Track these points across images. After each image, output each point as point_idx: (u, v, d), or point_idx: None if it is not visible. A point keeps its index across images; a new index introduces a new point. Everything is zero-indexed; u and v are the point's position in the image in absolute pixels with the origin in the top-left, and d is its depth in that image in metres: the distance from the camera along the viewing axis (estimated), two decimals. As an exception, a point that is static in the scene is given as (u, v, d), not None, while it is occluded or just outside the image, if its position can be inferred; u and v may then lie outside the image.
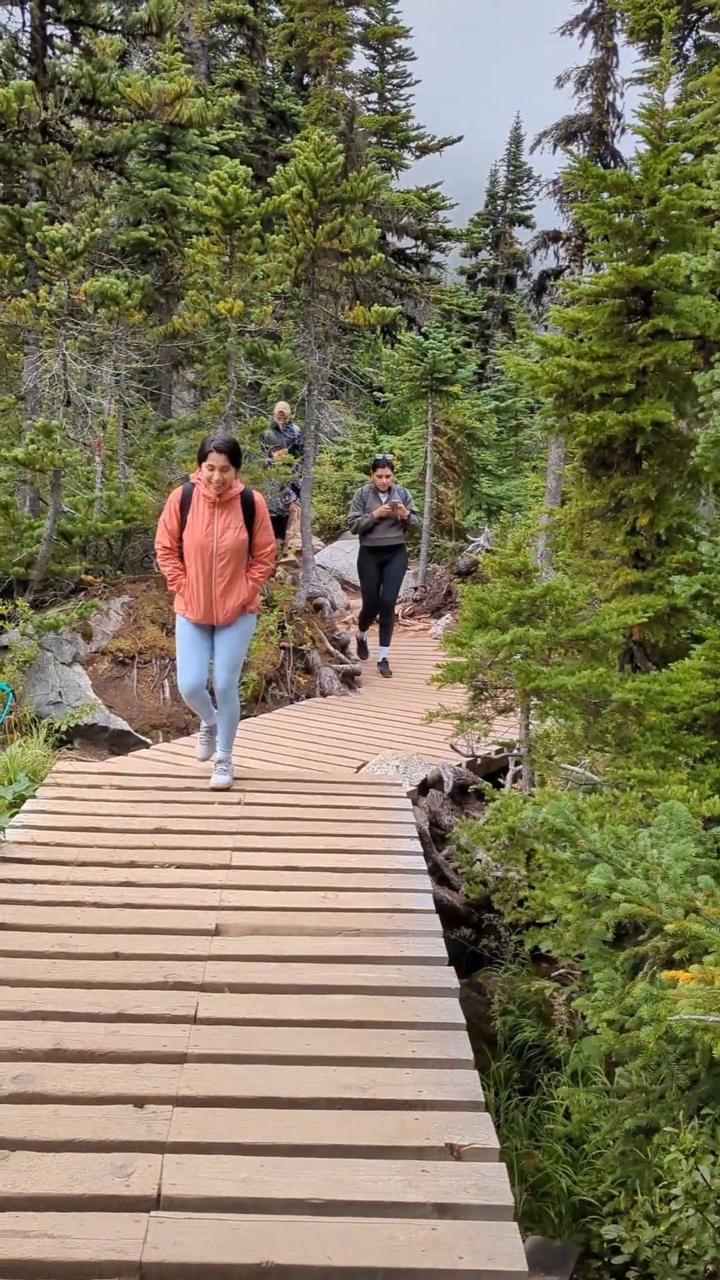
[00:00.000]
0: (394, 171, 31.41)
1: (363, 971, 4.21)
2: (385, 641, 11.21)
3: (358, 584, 15.24)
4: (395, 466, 11.16)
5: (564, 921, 4.38)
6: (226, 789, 6.35)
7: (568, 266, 21.73)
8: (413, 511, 10.78)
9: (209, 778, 6.67)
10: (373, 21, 32.67)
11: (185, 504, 6.09)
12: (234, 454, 5.99)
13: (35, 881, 4.89)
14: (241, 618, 6.21)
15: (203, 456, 5.97)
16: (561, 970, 5.76)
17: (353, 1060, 3.59)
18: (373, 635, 11.52)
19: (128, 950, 4.28)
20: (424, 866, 5.40)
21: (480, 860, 5.89)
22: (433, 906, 4.88)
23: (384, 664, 11.12)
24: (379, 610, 11.10)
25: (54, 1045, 3.58)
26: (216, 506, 5.99)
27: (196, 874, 5.08)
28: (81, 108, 10.80)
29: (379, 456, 10.97)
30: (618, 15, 18.35)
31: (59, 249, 9.35)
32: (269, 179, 11.51)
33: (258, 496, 6.19)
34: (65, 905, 4.67)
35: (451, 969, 4.27)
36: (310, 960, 4.29)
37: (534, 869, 5.21)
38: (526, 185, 35.77)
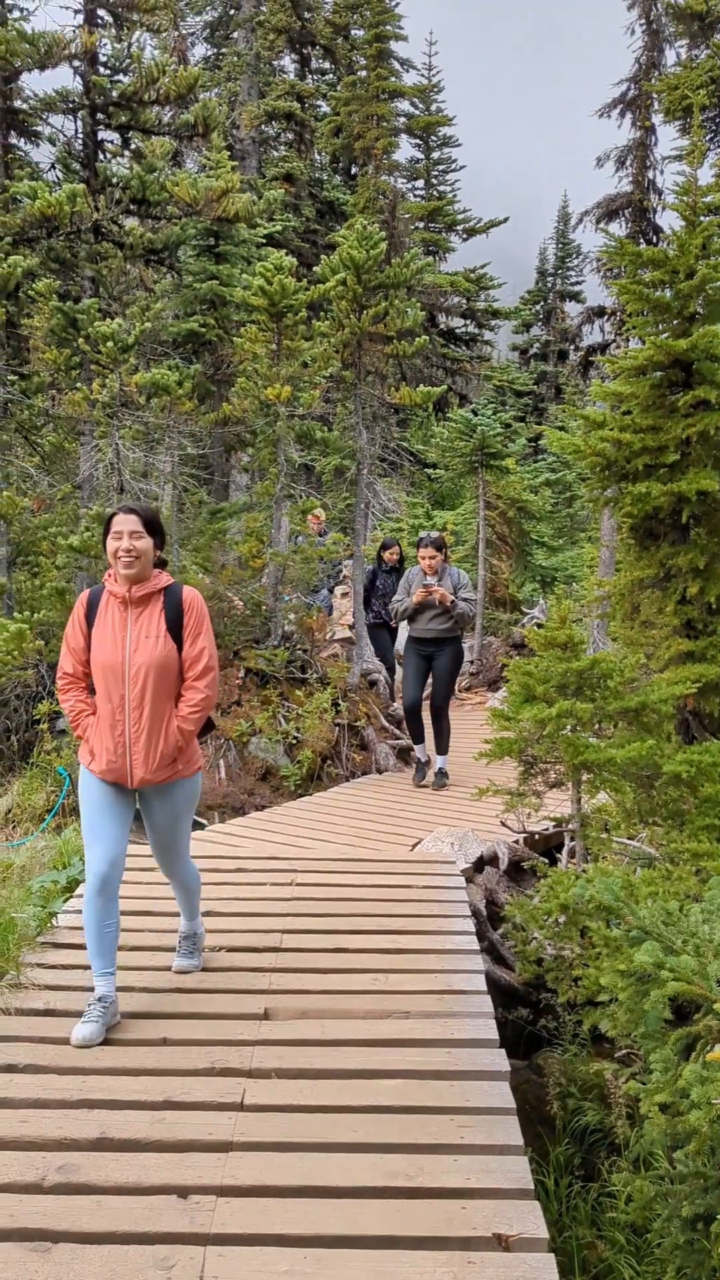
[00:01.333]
0: (441, 254, 32.07)
1: (412, 1055, 4.15)
2: (442, 749, 9.51)
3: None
4: (448, 544, 10.26)
5: (617, 1000, 4.30)
6: (190, 972, 4.94)
7: (614, 340, 21.93)
8: (464, 599, 9.25)
9: (262, 858, 6.69)
10: (417, 112, 33.65)
11: (91, 612, 4.47)
12: (151, 521, 4.44)
13: (86, 967, 4.89)
14: (174, 784, 4.53)
15: (107, 529, 4.43)
16: (625, 1050, 5.62)
17: (400, 1147, 3.53)
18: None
19: (176, 1036, 4.27)
20: (476, 946, 5.34)
21: (535, 938, 5.80)
22: (484, 987, 4.81)
23: (440, 774, 9.45)
24: (431, 712, 9.51)
25: (100, 1134, 3.57)
26: (129, 607, 4.40)
27: (246, 957, 5.07)
28: (132, 207, 11.21)
29: (423, 534, 9.63)
30: (654, 96, 18.73)
31: (110, 344, 9.65)
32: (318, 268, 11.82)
33: (189, 593, 4.47)
34: (116, 990, 4.67)
35: (502, 1051, 4.19)
36: (359, 1044, 4.25)
37: (588, 946, 5.12)
38: (576, 261, 36.36)
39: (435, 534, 9.49)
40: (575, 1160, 5.19)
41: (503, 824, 7.77)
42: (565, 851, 7.30)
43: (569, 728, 6.01)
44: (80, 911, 5.56)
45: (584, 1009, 5.35)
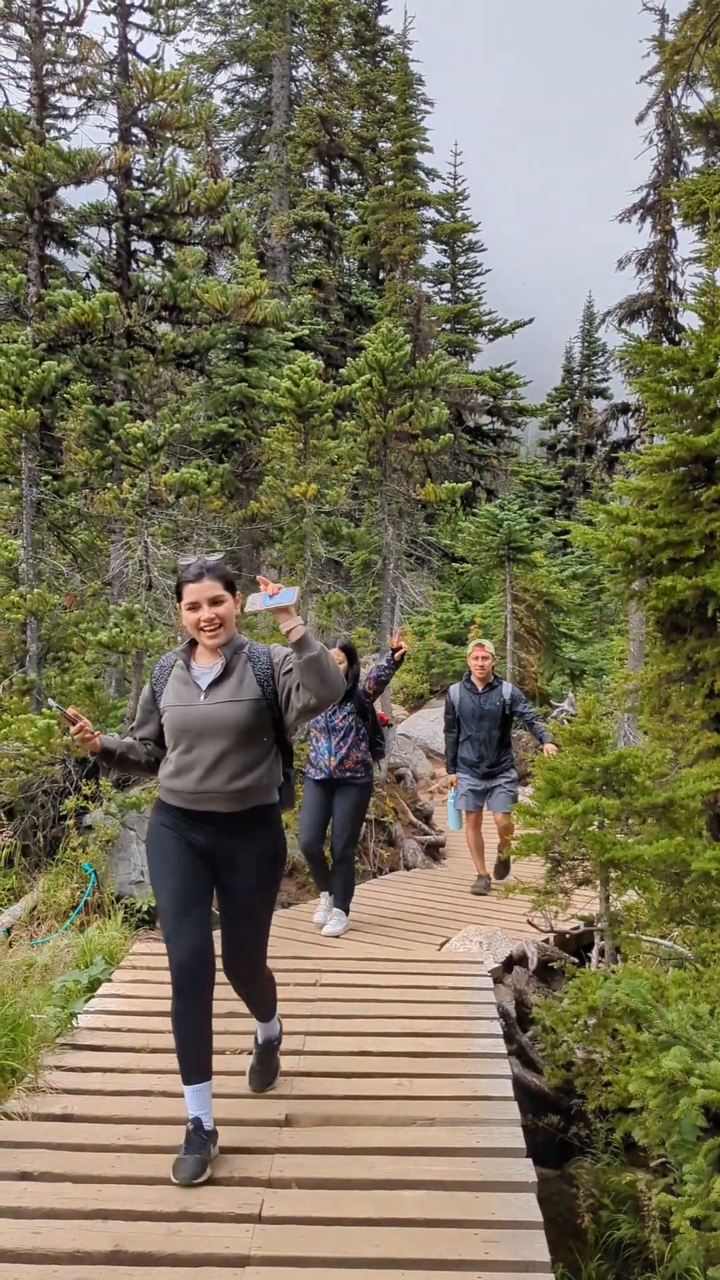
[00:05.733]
0: (467, 355, 32.74)
1: (436, 1164, 4.03)
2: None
3: (442, 752, 15.05)
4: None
5: (648, 1108, 4.17)
6: None
7: (638, 436, 22.18)
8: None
9: (286, 957, 6.60)
10: (442, 219, 34.66)
11: None
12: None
13: (105, 1070, 4.82)
14: None
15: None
16: (659, 1160, 5.43)
17: (422, 1263, 3.40)
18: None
19: (194, 1143, 4.16)
20: (503, 1050, 5.20)
21: (564, 1042, 5.65)
22: (511, 1093, 4.68)
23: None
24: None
25: (113, 1247, 3.46)
26: None
27: (268, 1060, 4.96)
28: (164, 313, 11.57)
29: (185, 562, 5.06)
30: (673, 201, 19.22)
31: (140, 444, 9.87)
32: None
33: None
34: (134, 1095, 4.59)
35: (529, 1161, 4.06)
36: (382, 1152, 4.12)
37: (618, 1050, 4.98)
38: (601, 359, 37.03)
39: (207, 560, 5.22)
40: (609, 1277, 4.99)
41: (530, 923, 7.65)
42: (595, 951, 7.16)
43: (596, 824, 5.94)
44: (101, 1012, 5.50)
45: (615, 1115, 5.19)
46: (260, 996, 4.56)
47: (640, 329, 21.80)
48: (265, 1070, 4.69)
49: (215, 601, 4.05)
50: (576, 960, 7.32)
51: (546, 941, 7.51)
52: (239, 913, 4.20)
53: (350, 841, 7.56)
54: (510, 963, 7.22)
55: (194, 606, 4.07)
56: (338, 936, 7.47)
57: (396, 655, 7.64)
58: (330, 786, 7.55)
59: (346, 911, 7.69)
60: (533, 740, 16.26)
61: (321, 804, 7.58)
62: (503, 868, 9.16)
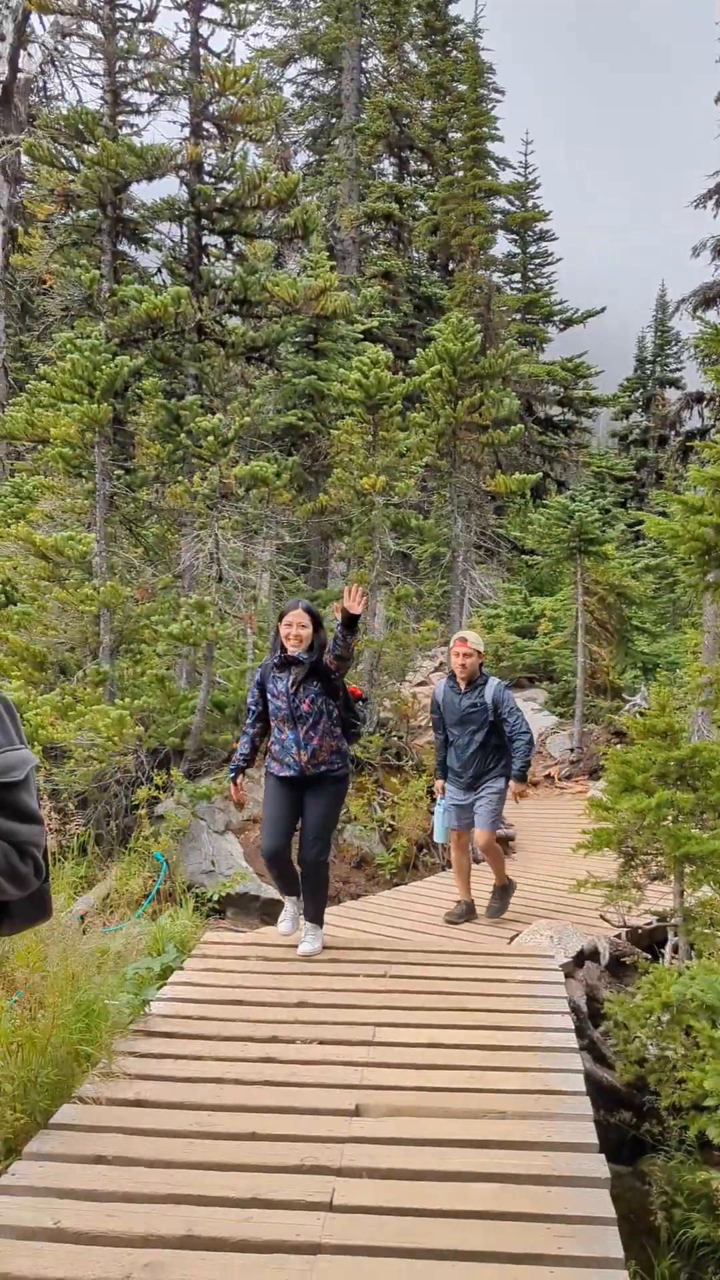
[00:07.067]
0: (538, 345, 32.51)
1: (507, 1158, 4.00)
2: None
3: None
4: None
5: (723, 1106, 4.11)
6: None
7: (713, 425, 21.81)
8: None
9: (356, 948, 6.61)
10: (513, 209, 34.44)
11: None
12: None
13: (178, 1056, 4.87)
14: None
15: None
16: (735, 1159, 5.35)
17: (494, 1256, 3.39)
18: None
19: (266, 1130, 4.19)
20: (575, 1044, 5.15)
21: (637, 1038, 5.59)
22: (583, 1088, 4.63)
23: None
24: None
25: (186, 1231, 3.49)
26: None
27: (338, 1050, 4.97)
28: (234, 307, 11.66)
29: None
30: (749, 185, 18.88)
31: (211, 438, 9.94)
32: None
33: None
34: (206, 1082, 4.62)
35: (602, 1157, 4.02)
36: (453, 1144, 4.11)
37: (692, 1047, 4.92)
38: (675, 348, 36.49)
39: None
40: (681, 1275, 4.93)
41: (602, 918, 7.58)
42: (669, 946, 7.07)
43: (670, 818, 5.86)
44: (174, 1000, 5.56)
45: (689, 1113, 5.12)
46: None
47: (716, 316, 21.42)
48: None
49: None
50: (649, 956, 7.24)
51: (619, 936, 7.44)
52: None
53: (325, 848, 6.39)
54: (581, 957, 7.16)
55: None
56: (309, 959, 6.28)
57: (348, 615, 5.99)
58: (300, 784, 6.34)
59: (320, 925, 6.49)
60: (604, 734, 16.10)
61: (289, 804, 6.37)
62: (501, 896, 8.06)
